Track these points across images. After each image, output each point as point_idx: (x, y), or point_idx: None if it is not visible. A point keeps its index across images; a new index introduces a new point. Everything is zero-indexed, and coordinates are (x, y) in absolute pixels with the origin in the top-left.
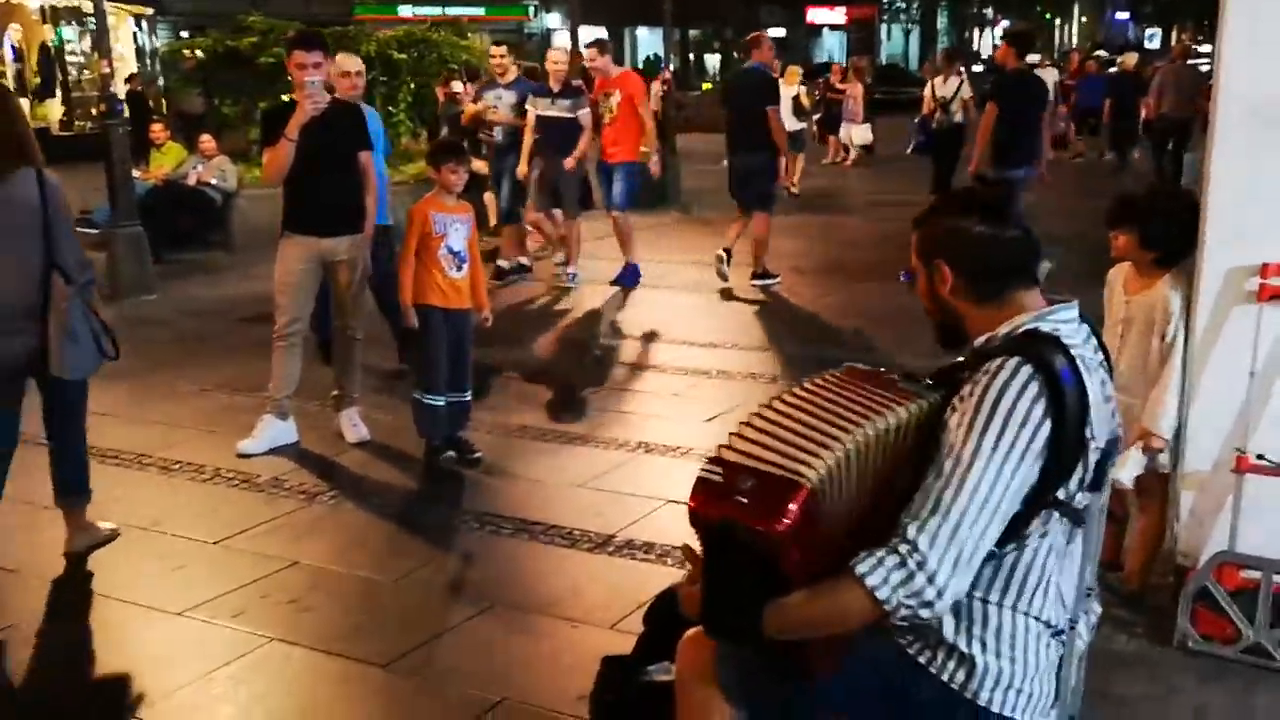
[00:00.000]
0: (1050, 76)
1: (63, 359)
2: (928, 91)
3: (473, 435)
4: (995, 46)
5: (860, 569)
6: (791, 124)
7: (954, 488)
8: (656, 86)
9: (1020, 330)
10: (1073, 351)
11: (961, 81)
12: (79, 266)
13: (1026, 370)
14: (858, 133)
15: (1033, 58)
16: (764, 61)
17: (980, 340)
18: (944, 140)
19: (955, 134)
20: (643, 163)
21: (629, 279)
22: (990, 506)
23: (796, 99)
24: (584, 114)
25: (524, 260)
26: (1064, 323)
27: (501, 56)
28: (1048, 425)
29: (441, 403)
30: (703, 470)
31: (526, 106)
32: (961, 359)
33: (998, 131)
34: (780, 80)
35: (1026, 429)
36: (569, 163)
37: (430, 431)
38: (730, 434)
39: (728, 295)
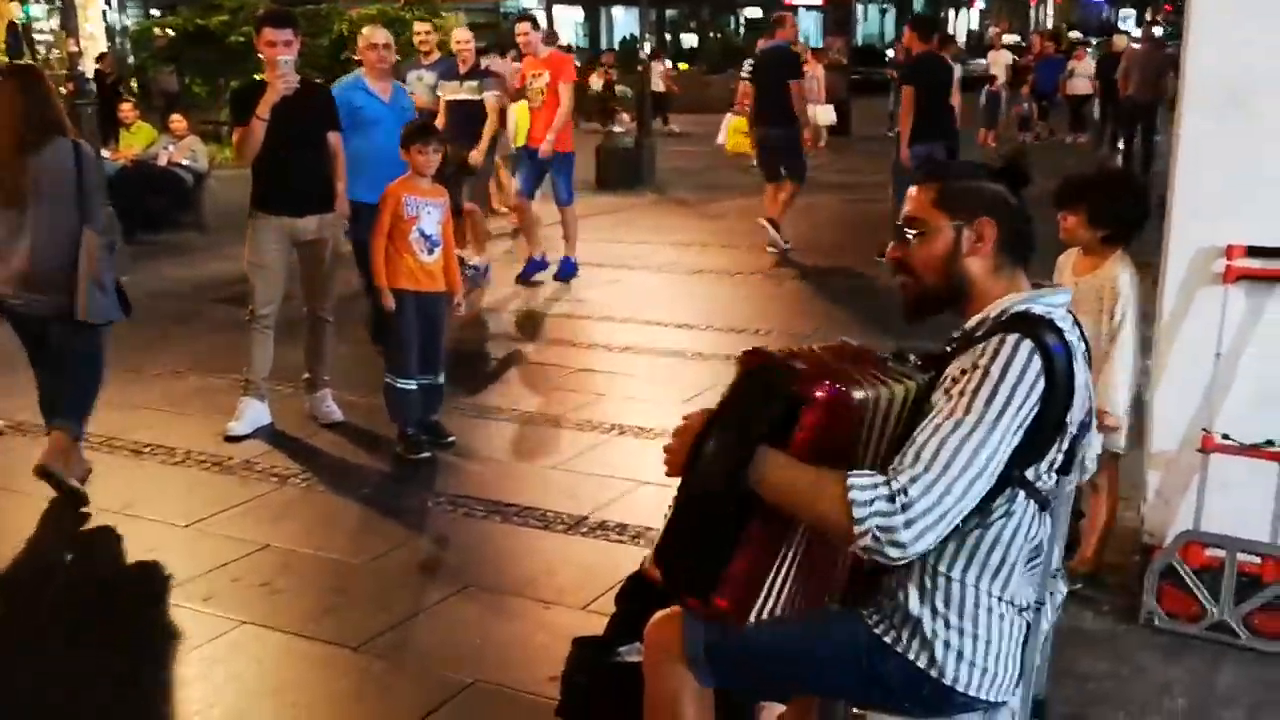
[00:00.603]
0: (1004, 59)
1: (90, 304)
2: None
3: (446, 418)
4: (907, 32)
5: (853, 479)
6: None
7: (952, 447)
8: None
9: (1013, 311)
10: (1065, 335)
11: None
12: (109, 228)
13: (1027, 345)
14: (821, 113)
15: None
16: (788, 39)
17: (972, 322)
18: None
19: (994, 102)
20: (573, 151)
21: (565, 272)
22: (980, 473)
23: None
24: (490, 96)
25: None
26: (1056, 306)
27: (426, 34)
28: (1040, 404)
29: (413, 387)
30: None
31: (437, 91)
32: (950, 346)
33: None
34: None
35: (1026, 405)
36: (474, 156)
37: (402, 416)
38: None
39: (703, 276)
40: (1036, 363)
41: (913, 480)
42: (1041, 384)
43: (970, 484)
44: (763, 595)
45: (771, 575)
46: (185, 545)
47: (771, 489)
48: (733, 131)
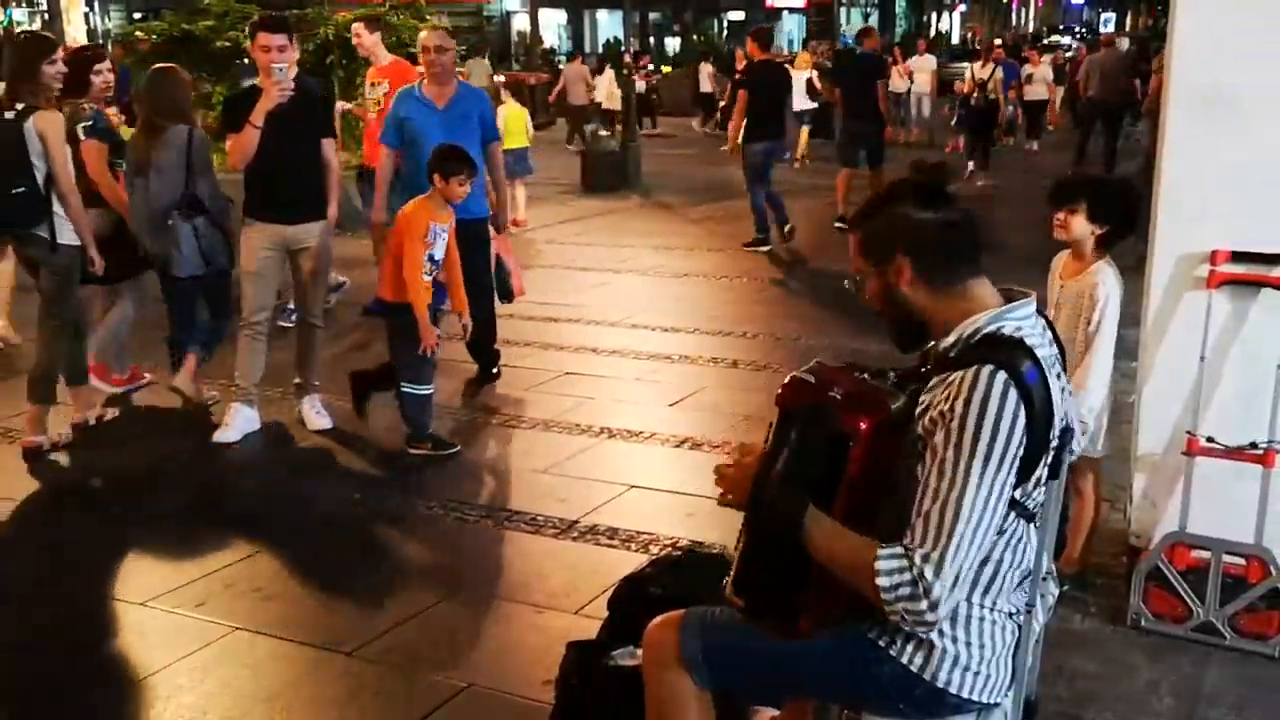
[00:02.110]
0: (928, 65)
1: (172, 260)
2: (969, 75)
3: (437, 422)
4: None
5: (880, 563)
6: (803, 103)
7: (952, 514)
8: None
9: (982, 334)
10: (1037, 353)
11: (996, 67)
12: (213, 198)
13: (1001, 379)
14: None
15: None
16: (873, 48)
17: (945, 343)
18: (981, 115)
19: (991, 110)
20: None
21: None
22: (984, 524)
23: (809, 81)
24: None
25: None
26: (1024, 320)
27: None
28: (1025, 435)
29: (431, 391)
30: (799, 372)
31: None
32: (925, 367)
33: (748, 113)
34: (791, 65)
35: (1012, 443)
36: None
37: (423, 421)
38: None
39: (690, 279)
40: (1013, 396)
41: (925, 560)
42: (1022, 416)
43: (975, 535)
44: (834, 610)
45: (839, 594)
46: (177, 551)
47: (815, 547)
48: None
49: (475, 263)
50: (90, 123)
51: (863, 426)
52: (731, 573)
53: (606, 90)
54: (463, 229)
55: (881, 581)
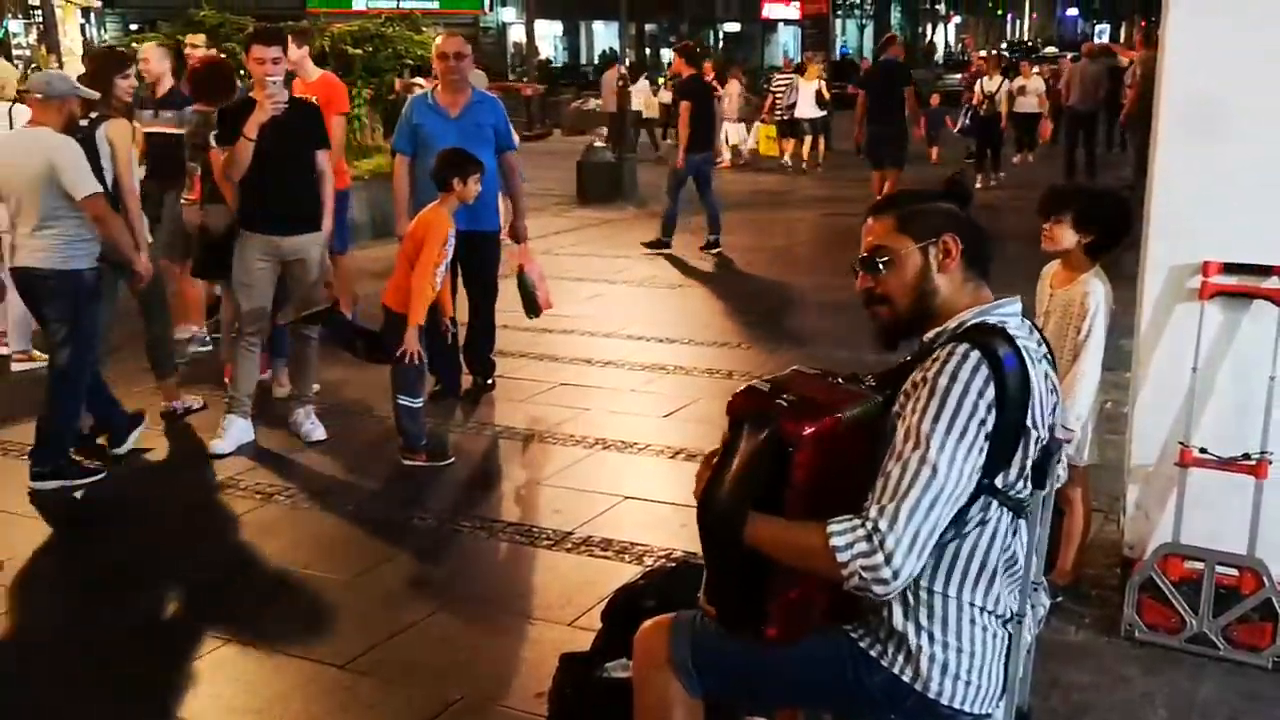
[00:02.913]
0: (736, 89)
1: None
2: (978, 86)
3: (429, 435)
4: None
5: (832, 527)
6: (812, 111)
7: (911, 473)
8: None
9: (968, 324)
10: (1018, 342)
11: (1003, 80)
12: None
13: (975, 355)
14: (733, 132)
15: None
16: (898, 55)
17: (930, 334)
18: (987, 124)
19: (997, 120)
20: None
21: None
22: (945, 491)
23: (818, 91)
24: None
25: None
26: (1009, 315)
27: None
28: (994, 411)
29: (421, 403)
30: (753, 382)
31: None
32: (906, 360)
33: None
34: (800, 75)
35: (977, 414)
36: (189, 213)
37: (416, 433)
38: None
39: (684, 290)
40: (984, 370)
41: (880, 513)
42: (991, 391)
43: (935, 499)
44: (806, 616)
45: (810, 598)
46: (167, 564)
47: (766, 548)
48: (763, 138)
49: (482, 275)
50: (217, 131)
51: (805, 432)
52: (703, 581)
53: (644, 99)
54: (471, 240)
55: (836, 542)
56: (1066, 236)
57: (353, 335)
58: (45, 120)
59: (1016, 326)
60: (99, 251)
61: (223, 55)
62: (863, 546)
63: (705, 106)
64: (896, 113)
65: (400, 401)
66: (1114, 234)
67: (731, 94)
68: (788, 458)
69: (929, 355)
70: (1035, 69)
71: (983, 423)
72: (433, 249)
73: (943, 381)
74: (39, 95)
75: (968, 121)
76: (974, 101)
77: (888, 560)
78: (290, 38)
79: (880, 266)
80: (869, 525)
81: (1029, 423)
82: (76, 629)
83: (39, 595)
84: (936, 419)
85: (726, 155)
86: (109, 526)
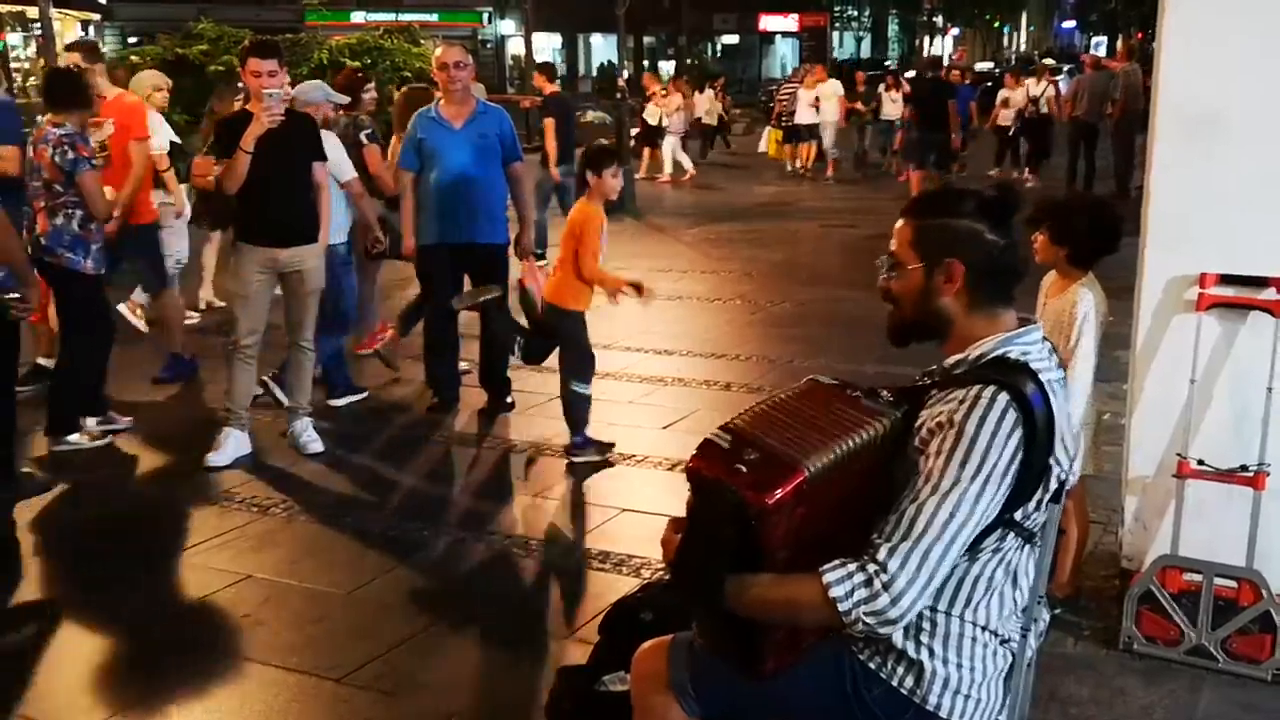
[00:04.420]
0: (831, 89)
1: None
2: (1023, 91)
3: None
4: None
5: (828, 577)
6: (809, 118)
7: (928, 514)
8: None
9: (990, 356)
10: (1041, 377)
11: (1048, 85)
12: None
13: (1003, 399)
14: (669, 146)
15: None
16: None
17: (950, 360)
18: (1035, 126)
19: (1044, 123)
20: (156, 223)
21: (174, 371)
22: (960, 534)
23: (815, 99)
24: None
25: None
26: (1031, 345)
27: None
28: (1021, 454)
29: (591, 392)
30: (712, 434)
31: None
32: (925, 380)
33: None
34: (801, 85)
35: (1003, 459)
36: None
37: (584, 420)
38: (739, 414)
39: (682, 302)
40: (1012, 415)
41: (890, 553)
42: (1019, 434)
43: (948, 548)
44: (798, 642)
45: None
46: (164, 576)
47: (752, 613)
48: (772, 141)
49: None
50: (369, 130)
51: (768, 502)
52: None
53: (706, 107)
54: (477, 254)
55: (835, 592)
56: (1046, 249)
57: (513, 328)
58: None
59: (1038, 356)
60: None
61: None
62: (863, 593)
63: (568, 122)
64: (941, 123)
65: (574, 388)
66: (1093, 245)
67: (672, 107)
68: (754, 530)
69: (950, 384)
70: (1029, 80)
71: (1009, 466)
72: (591, 240)
73: (970, 428)
74: None
75: (1017, 125)
76: (1020, 106)
77: (895, 602)
78: (82, 54)
79: (893, 271)
80: (872, 568)
81: (1052, 460)
82: (67, 640)
83: (33, 610)
84: (964, 465)
85: (668, 170)
86: (104, 539)
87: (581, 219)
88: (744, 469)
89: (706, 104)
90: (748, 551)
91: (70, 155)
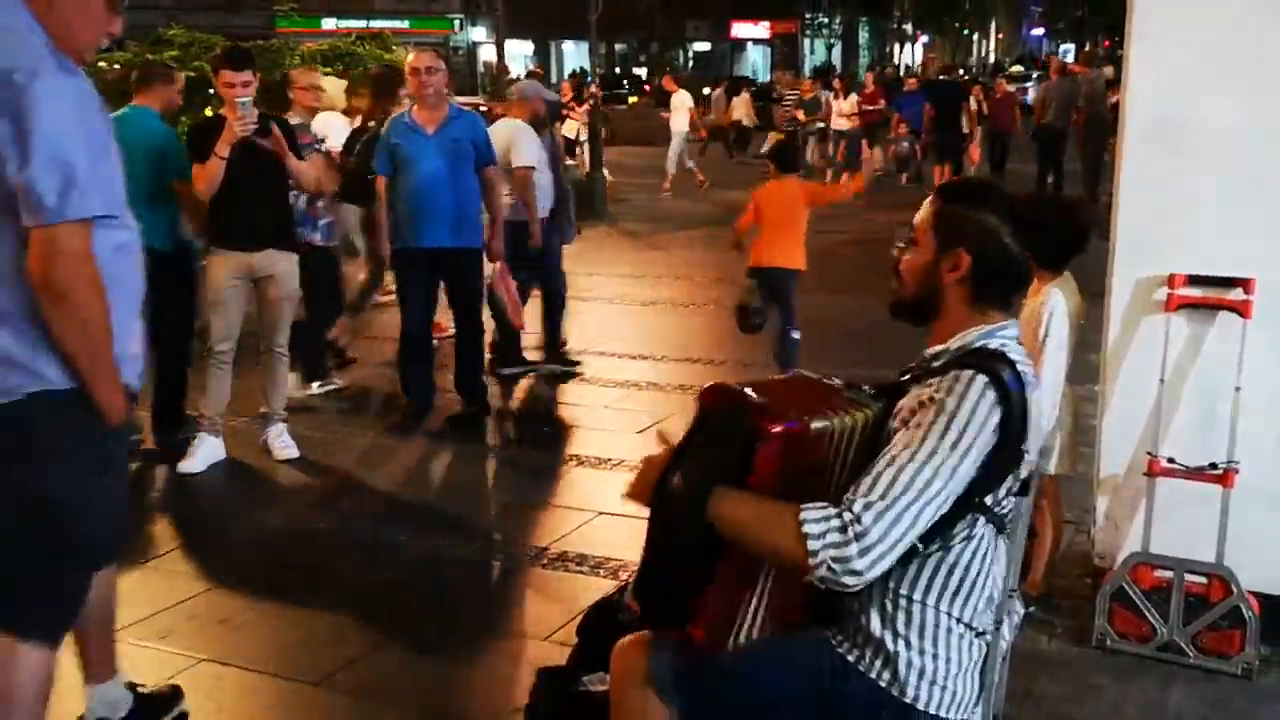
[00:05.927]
0: (742, 101)
1: None
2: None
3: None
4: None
5: (805, 514)
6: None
7: (907, 478)
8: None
9: (971, 347)
10: (1018, 367)
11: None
12: None
13: (982, 380)
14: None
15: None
16: (954, 78)
17: (931, 351)
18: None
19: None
20: None
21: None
22: (933, 501)
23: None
24: None
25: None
26: (1010, 339)
27: None
28: (998, 434)
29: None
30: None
31: None
32: (906, 375)
33: None
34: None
35: (981, 436)
36: None
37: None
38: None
39: (656, 307)
40: (991, 396)
41: (866, 508)
42: (996, 417)
43: (920, 511)
44: (737, 623)
45: (745, 604)
46: (141, 582)
47: (727, 524)
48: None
49: (466, 291)
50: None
51: (775, 429)
52: (632, 577)
53: (744, 110)
54: (454, 256)
55: (808, 529)
56: None
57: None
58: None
59: (1015, 349)
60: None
61: None
62: (835, 537)
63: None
64: (957, 123)
65: (794, 334)
66: (1054, 248)
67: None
68: (753, 450)
69: (930, 375)
70: (1012, 86)
71: (982, 447)
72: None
73: (950, 403)
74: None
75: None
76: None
77: (863, 554)
78: None
79: (908, 245)
80: (848, 516)
81: (1025, 446)
82: None
83: None
84: (943, 436)
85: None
86: None
87: (789, 194)
88: (758, 399)
89: (744, 107)
90: (736, 479)
91: None
